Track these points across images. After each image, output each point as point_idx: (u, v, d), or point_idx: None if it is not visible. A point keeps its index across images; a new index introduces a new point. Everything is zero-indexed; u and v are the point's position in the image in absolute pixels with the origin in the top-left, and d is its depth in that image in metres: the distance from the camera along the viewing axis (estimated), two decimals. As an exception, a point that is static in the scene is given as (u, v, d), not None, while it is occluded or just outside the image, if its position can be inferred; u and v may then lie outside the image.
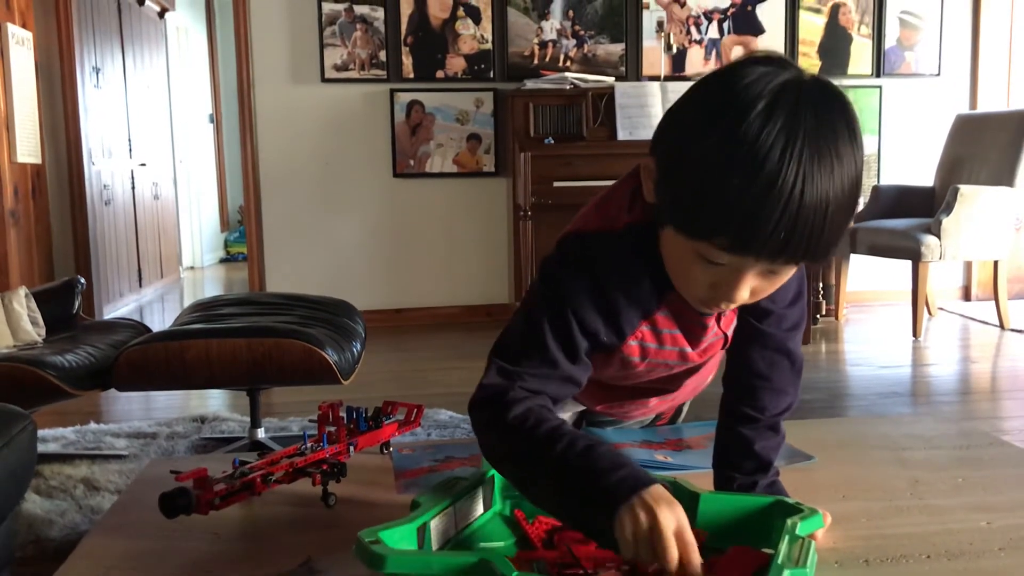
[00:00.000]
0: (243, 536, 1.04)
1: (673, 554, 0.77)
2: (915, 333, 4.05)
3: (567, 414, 1.37)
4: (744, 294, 0.86)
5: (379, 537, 0.81)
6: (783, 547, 0.81)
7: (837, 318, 4.53)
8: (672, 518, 0.78)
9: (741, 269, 0.84)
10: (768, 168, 0.76)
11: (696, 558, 0.78)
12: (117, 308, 5.14)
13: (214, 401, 3.21)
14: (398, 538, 0.83)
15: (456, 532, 0.93)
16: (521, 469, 0.90)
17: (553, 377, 0.95)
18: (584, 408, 1.37)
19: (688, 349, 1.07)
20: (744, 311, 1.05)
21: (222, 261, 8.43)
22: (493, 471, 1.00)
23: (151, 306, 5.66)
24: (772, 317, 1.04)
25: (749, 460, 1.03)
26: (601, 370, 1.10)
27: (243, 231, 7.82)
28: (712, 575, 0.82)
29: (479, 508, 0.97)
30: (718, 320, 1.06)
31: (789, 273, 0.88)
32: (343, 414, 1.22)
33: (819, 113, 0.79)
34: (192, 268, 7.79)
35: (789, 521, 0.88)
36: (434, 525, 0.89)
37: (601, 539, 0.84)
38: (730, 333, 1.08)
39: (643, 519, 0.78)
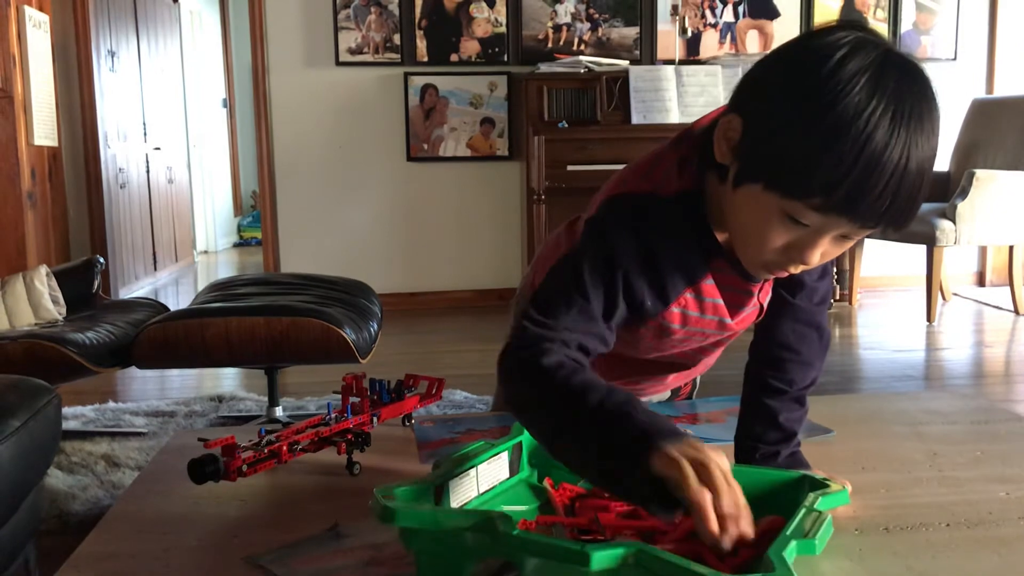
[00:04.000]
0: (270, 503, 1.06)
1: (725, 487, 0.75)
2: (929, 318, 4.04)
3: None
4: (817, 257, 0.88)
5: (394, 493, 0.82)
6: (796, 519, 0.82)
7: (851, 303, 4.52)
8: (721, 457, 0.76)
9: (823, 231, 0.86)
10: (878, 136, 0.80)
11: (743, 501, 0.76)
12: (132, 291, 5.17)
13: (230, 381, 3.24)
14: (414, 496, 0.85)
15: (478, 494, 0.94)
16: (550, 418, 0.87)
17: (590, 332, 0.94)
18: None
19: (728, 319, 1.08)
20: (778, 284, 1.07)
21: (235, 245, 8.47)
22: (522, 437, 1.01)
23: (166, 289, 5.69)
24: (805, 291, 1.06)
25: (773, 431, 1.04)
26: (633, 341, 1.11)
27: (256, 216, 7.86)
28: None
29: (504, 473, 0.99)
30: (759, 291, 1.06)
31: (857, 239, 0.90)
32: (366, 385, 1.24)
33: (916, 82, 0.83)
34: (206, 252, 7.83)
35: (811, 495, 0.89)
36: (453, 485, 0.90)
37: (628, 491, 0.80)
38: (766, 304, 1.09)
39: (691, 452, 0.75)
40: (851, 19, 0.89)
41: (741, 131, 0.89)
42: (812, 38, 0.87)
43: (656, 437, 0.77)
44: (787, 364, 1.05)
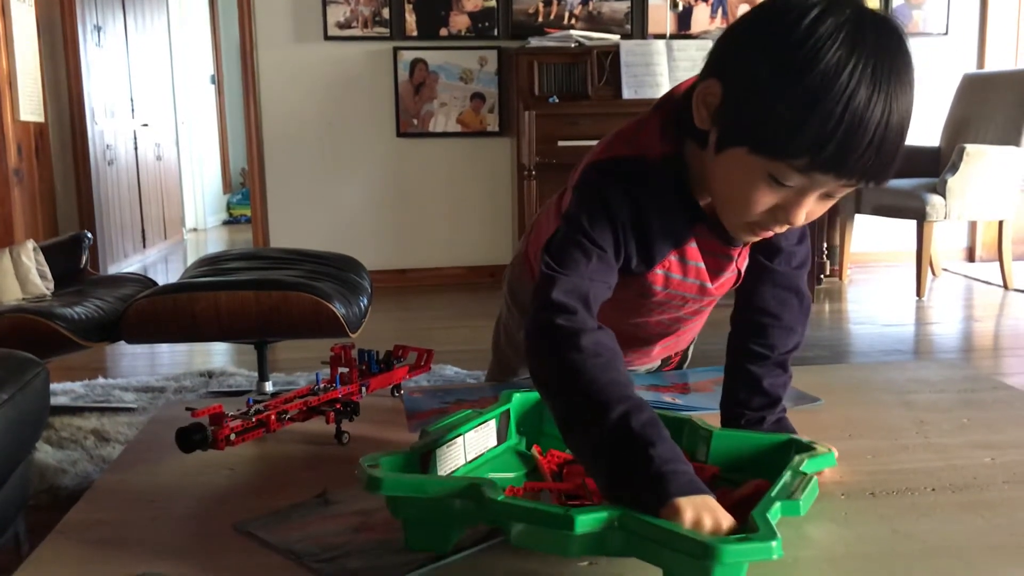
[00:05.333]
0: (259, 471, 1.06)
1: None
2: (919, 293, 4.06)
3: None
4: (802, 216, 0.89)
5: (379, 462, 0.83)
6: (782, 480, 0.82)
7: (841, 278, 4.53)
8: (726, 524, 0.74)
9: (808, 191, 0.87)
10: (861, 93, 0.80)
11: None
12: (121, 268, 5.14)
13: (220, 356, 3.23)
14: (400, 464, 0.85)
15: (465, 462, 0.94)
16: (571, 413, 0.85)
17: (606, 280, 0.94)
18: None
19: (708, 283, 1.09)
20: (755, 249, 1.07)
21: (225, 223, 8.44)
22: (510, 405, 1.01)
23: (155, 267, 5.67)
24: (782, 255, 1.06)
25: (758, 397, 1.04)
26: (613, 300, 1.11)
27: (245, 193, 7.82)
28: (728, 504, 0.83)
29: (491, 441, 0.99)
30: (737, 256, 1.07)
31: (839, 196, 0.90)
32: (355, 356, 1.24)
33: (891, 38, 0.84)
34: (195, 230, 7.80)
35: (797, 457, 0.89)
36: (440, 453, 0.91)
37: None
38: (743, 270, 1.09)
39: (707, 518, 0.74)
40: None
41: (721, 95, 0.89)
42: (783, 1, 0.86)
43: (671, 488, 0.75)
44: (768, 329, 1.05)
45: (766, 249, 1.06)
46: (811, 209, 0.89)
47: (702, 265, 1.06)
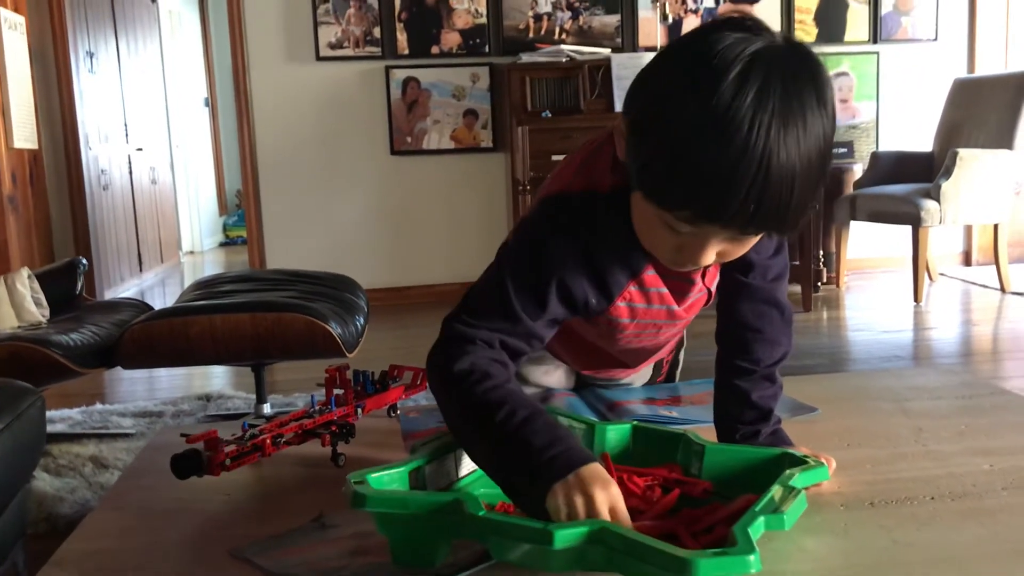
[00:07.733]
0: (255, 496, 1.05)
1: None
2: (916, 298, 4.06)
3: (559, 372, 1.37)
4: (709, 258, 0.87)
5: (365, 479, 0.83)
6: (768, 495, 0.82)
7: (838, 286, 4.54)
8: (606, 498, 0.77)
9: (705, 237, 0.84)
10: (736, 142, 0.75)
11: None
12: (118, 293, 5.14)
13: (218, 380, 3.23)
14: (388, 481, 0.85)
15: (457, 479, 0.94)
16: (462, 428, 0.90)
17: (515, 332, 0.94)
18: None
19: (675, 307, 1.07)
20: (728, 265, 1.05)
21: (221, 245, 8.44)
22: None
23: (152, 290, 5.67)
24: (756, 269, 1.04)
25: (749, 411, 1.03)
26: (593, 333, 1.11)
27: (241, 215, 7.82)
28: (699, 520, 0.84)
29: (486, 459, 0.98)
30: (703, 276, 1.06)
31: (756, 238, 0.88)
32: (350, 377, 1.23)
33: (788, 82, 0.77)
34: (191, 252, 7.80)
35: (788, 471, 0.89)
36: (429, 470, 0.90)
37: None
38: (713, 288, 1.09)
39: (578, 500, 0.76)
40: (743, 15, 0.84)
41: (627, 134, 0.86)
42: (692, 38, 0.82)
43: (549, 475, 0.78)
44: (751, 344, 1.04)
45: (740, 265, 1.04)
46: (723, 250, 0.87)
47: (665, 290, 1.05)
